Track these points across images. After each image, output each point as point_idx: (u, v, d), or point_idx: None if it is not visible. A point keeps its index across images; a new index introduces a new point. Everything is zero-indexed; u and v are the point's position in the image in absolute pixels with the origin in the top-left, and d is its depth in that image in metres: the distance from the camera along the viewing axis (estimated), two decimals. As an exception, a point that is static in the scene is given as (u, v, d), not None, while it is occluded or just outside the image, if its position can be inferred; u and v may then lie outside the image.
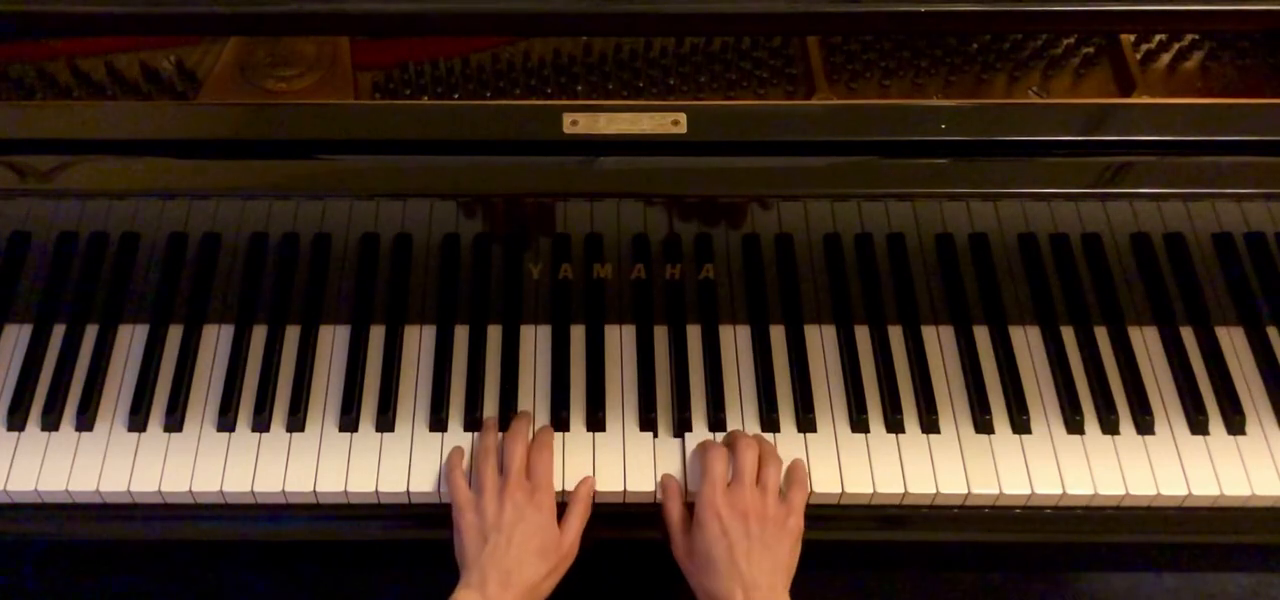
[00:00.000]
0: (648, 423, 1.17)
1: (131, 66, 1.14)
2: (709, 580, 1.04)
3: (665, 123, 1.04)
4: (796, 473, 1.12)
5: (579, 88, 1.13)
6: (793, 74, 1.15)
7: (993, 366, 1.22)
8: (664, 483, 1.13)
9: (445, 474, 1.13)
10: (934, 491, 1.14)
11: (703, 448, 1.13)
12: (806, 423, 1.17)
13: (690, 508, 1.11)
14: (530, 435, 1.14)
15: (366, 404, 1.18)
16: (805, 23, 1.13)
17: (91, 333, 1.23)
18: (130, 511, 1.15)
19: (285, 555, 1.31)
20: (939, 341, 1.24)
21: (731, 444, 1.12)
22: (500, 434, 1.15)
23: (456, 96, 1.14)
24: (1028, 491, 1.14)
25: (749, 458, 1.10)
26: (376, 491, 1.13)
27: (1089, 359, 1.22)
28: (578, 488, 1.12)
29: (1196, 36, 1.17)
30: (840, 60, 1.16)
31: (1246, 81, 1.15)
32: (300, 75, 1.13)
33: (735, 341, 1.23)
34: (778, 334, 1.24)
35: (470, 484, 1.11)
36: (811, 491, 1.13)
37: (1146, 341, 1.24)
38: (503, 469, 1.10)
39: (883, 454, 1.16)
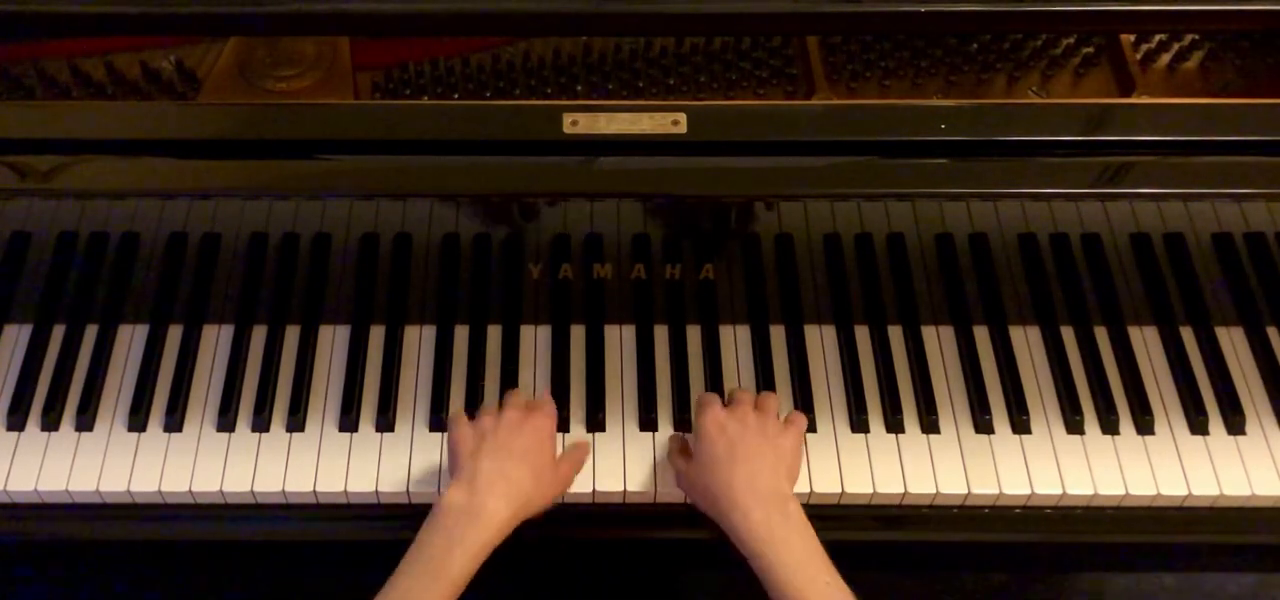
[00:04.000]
0: (648, 423, 1.17)
1: (131, 66, 1.14)
2: (712, 476, 1.02)
3: (665, 123, 1.04)
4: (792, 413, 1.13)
5: (579, 88, 1.13)
6: (793, 74, 1.15)
7: (993, 366, 1.22)
8: (670, 439, 1.13)
9: (449, 417, 1.11)
10: (934, 491, 1.14)
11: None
12: (806, 423, 1.17)
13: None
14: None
15: (366, 404, 1.18)
16: (805, 23, 1.13)
17: (91, 333, 1.23)
18: (130, 511, 1.15)
19: (285, 555, 1.31)
20: (939, 341, 1.24)
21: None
22: None
23: (456, 96, 1.14)
24: (1028, 492, 1.14)
25: (744, 393, 1.10)
26: (376, 492, 1.13)
27: (1089, 359, 1.22)
28: (574, 444, 1.13)
29: (1196, 36, 1.17)
30: (840, 60, 1.16)
31: (1246, 81, 1.15)
32: (300, 75, 1.13)
33: (735, 341, 1.23)
34: (778, 334, 1.24)
35: None
36: (811, 492, 1.13)
37: (1146, 341, 1.24)
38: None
39: (883, 454, 1.16)
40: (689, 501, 1.08)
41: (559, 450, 1.15)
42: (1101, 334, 1.24)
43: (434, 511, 0.99)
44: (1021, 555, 1.30)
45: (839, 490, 1.14)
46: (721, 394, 1.18)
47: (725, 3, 1.09)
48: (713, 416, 1.06)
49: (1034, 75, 1.15)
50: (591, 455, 1.15)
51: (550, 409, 1.11)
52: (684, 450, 1.11)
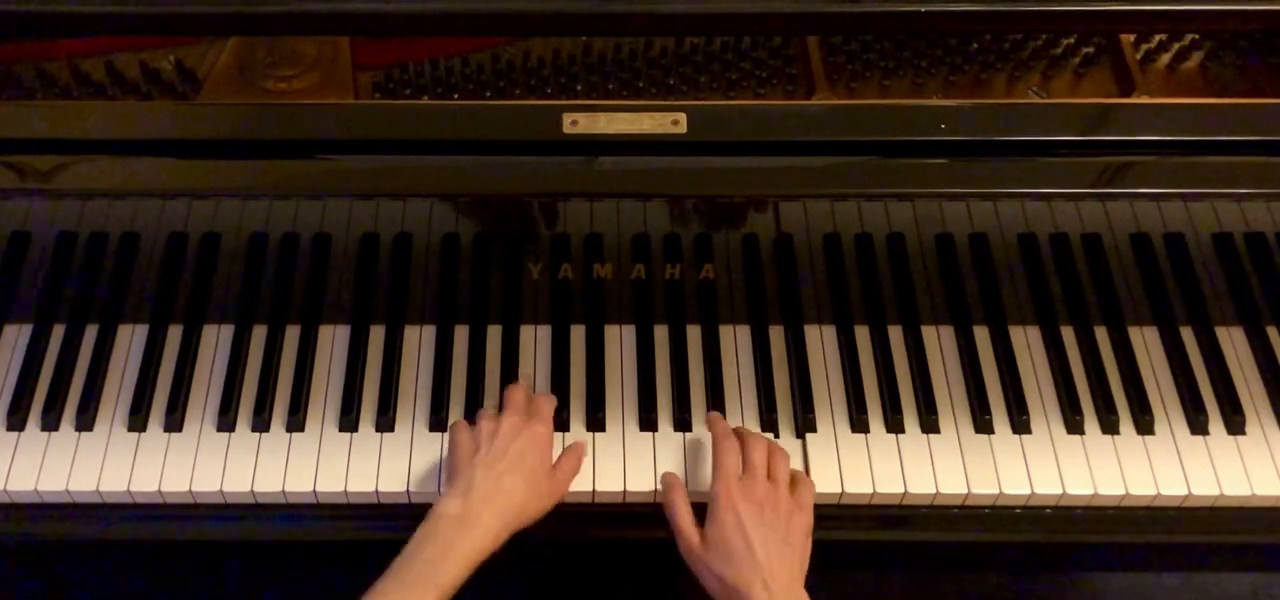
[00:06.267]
0: (648, 423, 1.17)
1: (131, 66, 1.14)
2: (727, 569, 1.03)
3: (665, 123, 1.04)
4: (801, 474, 1.13)
5: (579, 88, 1.13)
6: (793, 74, 1.15)
7: (993, 366, 1.22)
8: (666, 480, 1.12)
9: (450, 424, 1.13)
10: (934, 491, 1.14)
11: (714, 436, 1.12)
12: (806, 423, 1.17)
13: (695, 507, 1.10)
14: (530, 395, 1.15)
15: (366, 404, 1.18)
16: (805, 23, 1.13)
17: (91, 333, 1.23)
18: (130, 511, 1.15)
19: (285, 555, 1.31)
20: (939, 341, 1.24)
21: (740, 438, 1.12)
22: None
23: (456, 96, 1.14)
24: (1027, 491, 1.14)
25: (760, 452, 1.09)
26: (376, 492, 1.13)
27: (1089, 359, 1.22)
28: (572, 445, 1.13)
29: (1196, 36, 1.17)
30: (840, 60, 1.16)
31: (1246, 81, 1.15)
32: (300, 75, 1.13)
33: (735, 341, 1.23)
34: (777, 334, 1.24)
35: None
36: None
37: (1146, 341, 1.24)
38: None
39: (883, 454, 1.16)
40: (694, 575, 1.08)
41: (558, 451, 1.15)
42: (1101, 334, 1.24)
43: (429, 518, 1.01)
44: (1021, 555, 1.30)
45: (839, 490, 1.14)
46: (722, 395, 1.19)
47: (725, 3, 1.09)
48: (729, 500, 1.04)
49: (1034, 75, 1.15)
50: (591, 455, 1.15)
51: (549, 412, 1.11)
52: (690, 516, 1.08)
